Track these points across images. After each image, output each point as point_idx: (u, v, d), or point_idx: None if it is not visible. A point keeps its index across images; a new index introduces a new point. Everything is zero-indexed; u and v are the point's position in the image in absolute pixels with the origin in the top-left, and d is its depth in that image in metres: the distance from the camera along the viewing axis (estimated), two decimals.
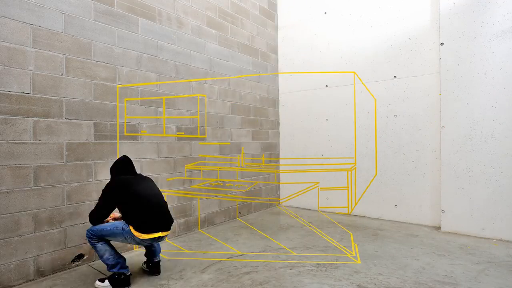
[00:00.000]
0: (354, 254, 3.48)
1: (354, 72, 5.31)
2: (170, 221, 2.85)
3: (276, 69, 6.23)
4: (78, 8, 3.20)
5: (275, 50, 6.22)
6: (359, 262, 3.26)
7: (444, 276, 2.92)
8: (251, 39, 5.61)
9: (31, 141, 2.87)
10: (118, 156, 3.52)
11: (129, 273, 2.80)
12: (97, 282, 2.76)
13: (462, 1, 4.20)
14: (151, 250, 3.01)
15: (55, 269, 3.02)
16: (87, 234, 2.72)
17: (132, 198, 2.67)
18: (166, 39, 4.10)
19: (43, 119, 2.95)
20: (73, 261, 3.16)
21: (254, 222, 4.92)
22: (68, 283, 2.82)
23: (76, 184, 3.18)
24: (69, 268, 3.12)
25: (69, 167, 3.13)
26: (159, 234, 2.72)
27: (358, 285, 2.73)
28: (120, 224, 2.70)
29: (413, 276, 2.91)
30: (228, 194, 5.07)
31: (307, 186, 5.82)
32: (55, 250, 3.02)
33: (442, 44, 4.36)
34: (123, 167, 2.87)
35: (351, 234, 4.25)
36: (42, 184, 2.94)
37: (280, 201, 6.23)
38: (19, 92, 2.79)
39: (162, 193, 2.98)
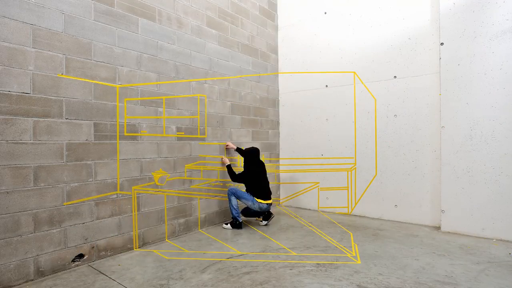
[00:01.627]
0: (354, 254, 3.48)
1: (354, 72, 5.31)
2: (270, 193, 4.76)
3: (276, 69, 6.23)
4: (78, 8, 3.20)
5: (275, 50, 6.22)
6: (359, 262, 3.26)
7: (444, 276, 2.92)
8: (251, 39, 5.61)
9: (31, 141, 2.87)
10: (118, 156, 3.53)
11: (241, 220, 4.55)
12: (224, 225, 4.60)
13: (462, 1, 4.21)
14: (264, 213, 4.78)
15: (55, 269, 3.02)
16: (228, 189, 4.52)
17: (259, 181, 4.60)
18: (166, 39, 4.10)
19: (43, 119, 2.95)
20: (73, 261, 3.16)
21: (254, 222, 4.92)
22: (68, 283, 2.82)
23: (76, 184, 3.18)
24: (69, 268, 3.12)
25: (69, 167, 3.13)
26: (269, 201, 4.63)
27: (358, 285, 2.73)
28: (250, 196, 4.49)
29: (413, 276, 2.91)
30: None
31: (307, 186, 5.82)
32: (55, 250, 3.02)
33: (442, 44, 4.36)
34: (256, 156, 4.69)
35: (351, 234, 4.25)
36: (42, 184, 2.94)
37: (280, 201, 6.23)
38: (19, 92, 2.79)
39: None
